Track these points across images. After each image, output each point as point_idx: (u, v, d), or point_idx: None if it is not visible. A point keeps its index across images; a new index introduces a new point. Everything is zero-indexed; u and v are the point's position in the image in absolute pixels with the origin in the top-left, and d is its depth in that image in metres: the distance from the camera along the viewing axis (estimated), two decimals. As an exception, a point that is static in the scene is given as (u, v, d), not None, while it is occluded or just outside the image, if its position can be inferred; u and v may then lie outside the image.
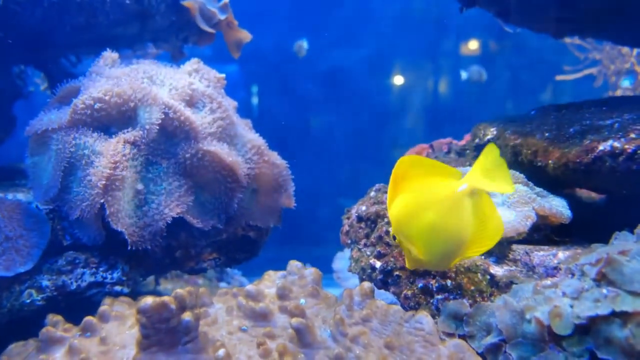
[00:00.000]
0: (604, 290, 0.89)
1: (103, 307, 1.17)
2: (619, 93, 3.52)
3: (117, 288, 1.33)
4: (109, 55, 1.52)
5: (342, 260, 2.51)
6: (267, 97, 4.58)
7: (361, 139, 4.50)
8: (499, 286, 1.09)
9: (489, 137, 1.55)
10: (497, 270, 1.12)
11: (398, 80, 4.64)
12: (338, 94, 4.53)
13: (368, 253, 1.39)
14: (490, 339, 0.99)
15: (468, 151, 1.77)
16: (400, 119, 4.65)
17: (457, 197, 0.92)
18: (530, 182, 1.26)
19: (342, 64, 4.46)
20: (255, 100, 4.55)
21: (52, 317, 1.15)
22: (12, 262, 1.22)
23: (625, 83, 3.53)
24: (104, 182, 1.24)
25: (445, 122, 4.44)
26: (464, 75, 3.84)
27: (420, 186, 0.97)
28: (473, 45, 4.46)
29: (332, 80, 4.49)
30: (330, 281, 2.52)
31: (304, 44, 3.98)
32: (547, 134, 1.29)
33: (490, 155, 0.92)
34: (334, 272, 2.53)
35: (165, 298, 0.93)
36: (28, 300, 1.24)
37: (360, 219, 1.51)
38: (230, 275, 2.78)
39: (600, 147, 1.12)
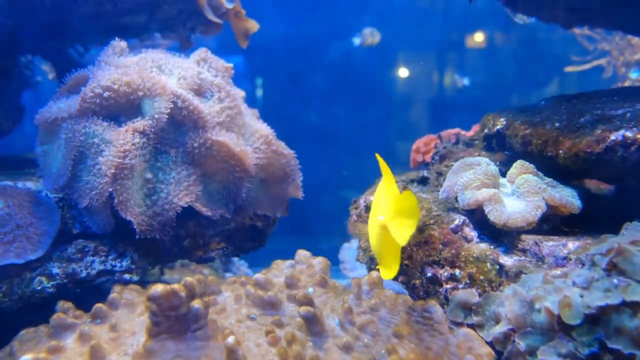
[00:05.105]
0: (615, 280, 0.88)
1: (113, 295, 1.17)
2: (627, 84, 3.49)
3: (126, 276, 1.34)
4: (118, 44, 1.51)
5: (348, 252, 2.52)
6: (272, 89, 4.56)
7: (367, 130, 4.49)
8: (508, 276, 1.08)
9: (498, 127, 1.54)
10: (507, 260, 1.11)
11: (404, 72, 4.61)
12: (343, 85, 4.51)
13: (376, 243, 1.39)
14: (499, 328, 0.99)
15: (477, 141, 1.76)
16: (407, 111, 4.62)
17: (377, 222, 1.06)
18: (539, 173, 1.25)
19: (348, 55, 4.44)
20: (259, 92, 4.54)
21: (62, 304, 1.16)
22: (22, 250, 1.23)
23: (634, 75, 3.49)
24: (113, 170, 1.24)
25: (451, 114, 4.42)
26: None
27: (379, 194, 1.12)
28: (479, 37, 4.42)
29: (337, 71, 4.47)
30: (337, 273, 2.52)
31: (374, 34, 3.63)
32: (557, 124, 1.28)
33: (407, 201, 1.00)
34: (340, 263, 2.54)
35: (175, 286, 0.93)
36: (39, 287, 1.25)
37: (368, 208, 1.51)
38: (237, 266, 2.79)
39: (612, 137, 1.11)
